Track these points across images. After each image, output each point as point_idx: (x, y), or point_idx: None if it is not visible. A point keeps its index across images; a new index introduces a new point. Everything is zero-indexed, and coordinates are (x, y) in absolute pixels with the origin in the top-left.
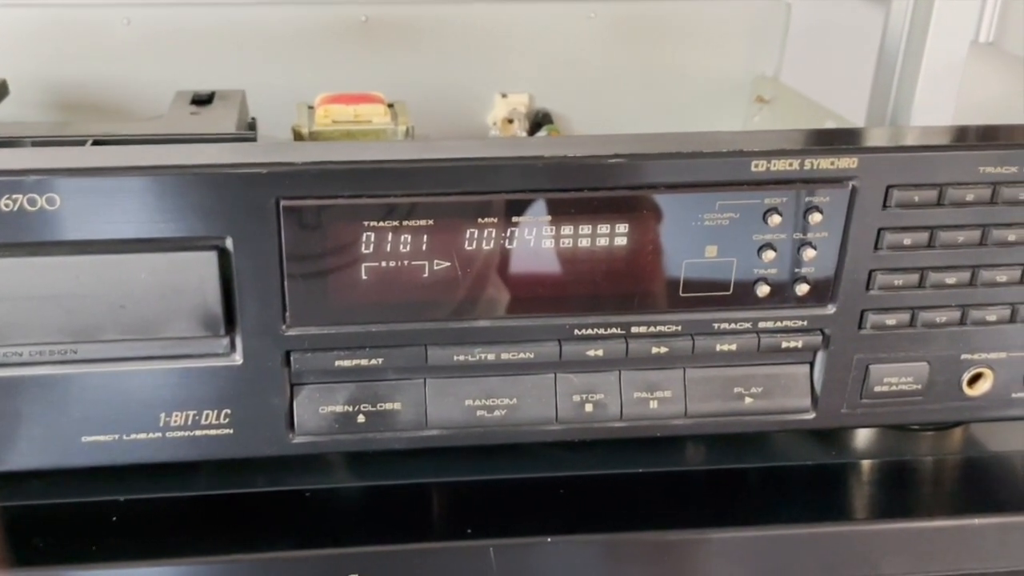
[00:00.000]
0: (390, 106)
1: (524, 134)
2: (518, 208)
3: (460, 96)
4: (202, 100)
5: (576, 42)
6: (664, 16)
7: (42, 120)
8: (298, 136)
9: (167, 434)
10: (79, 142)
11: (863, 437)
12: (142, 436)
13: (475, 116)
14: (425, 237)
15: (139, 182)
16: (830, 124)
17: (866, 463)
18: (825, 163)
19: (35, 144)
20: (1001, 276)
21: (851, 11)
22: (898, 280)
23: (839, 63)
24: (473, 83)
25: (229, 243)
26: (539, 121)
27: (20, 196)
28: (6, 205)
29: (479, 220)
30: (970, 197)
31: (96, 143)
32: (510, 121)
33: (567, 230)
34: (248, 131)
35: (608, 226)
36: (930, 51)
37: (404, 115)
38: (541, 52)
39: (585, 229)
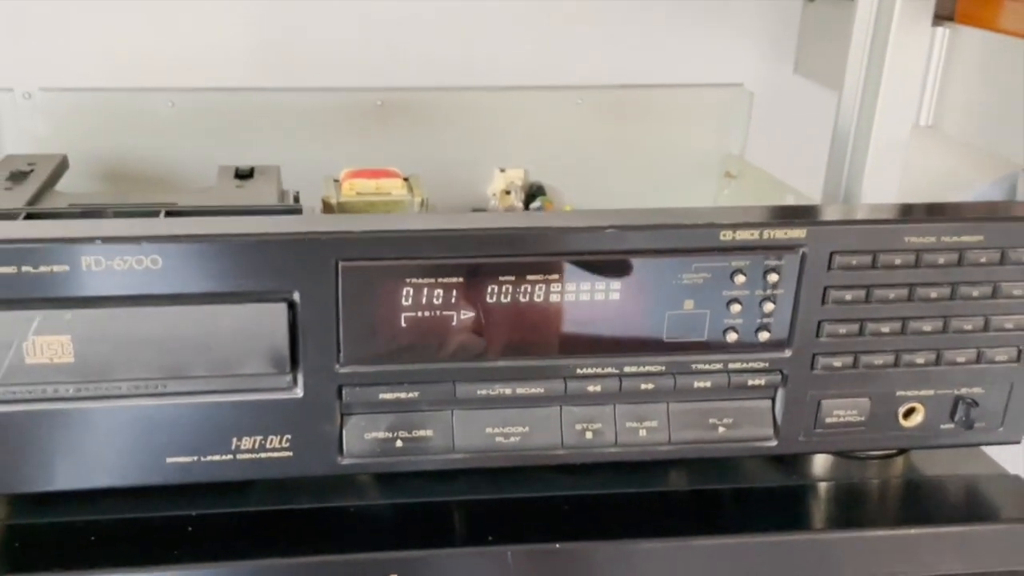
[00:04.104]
0: (406, 179)
1: (520, 204)
2: (531, 268)
3: (463, 170)
4: (244, 174)
5: (566, 124)
6: (643, 102)
7: (101, 191)
8: (327, 206)
9: (238, 456)
10: (152, 212)
11: (820, 463)
12: (216, 458)
13: (476, 188)
14: (454, 292)
15: (226, 246)
16: (790, 198)
17: (823, 484)
18: (780, 233)
19: (116, 214)
20: (926, 327)
21: (808, 97)
22: (842, 329)
23: (798, 142)
24: (475, 159)
25: (297, 296)
26: (533, 193)
27: (130, 258)
28: (119, 265)
29: (500, 278)
30: (898, 262)
31: (168, 214)
32: (507, 192)
33: (571, 287)
34: (295, 204)
35: (604, 283)
36: (877, 133)
37: (419, 188)
38: (535, 132)
39: (585, 286)
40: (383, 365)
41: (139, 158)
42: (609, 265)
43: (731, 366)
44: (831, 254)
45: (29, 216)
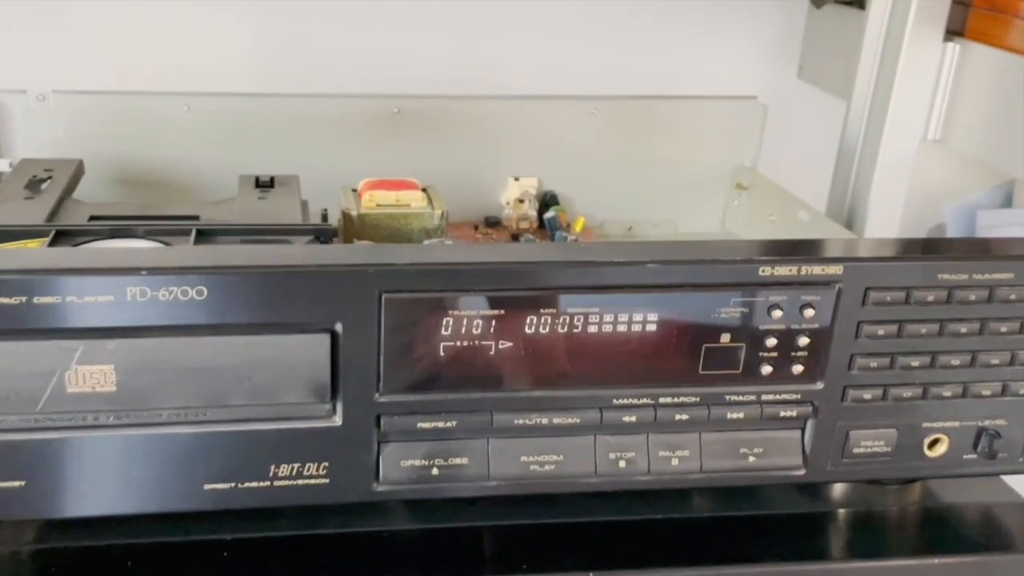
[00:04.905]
0: (424, 190)
1: (534, 213)
2: (571, 301)
3: (477, 178)
4: (265, 184)
5: (580, 133)
6: (658, 113)
7: (118, 197)
8: (348, 218)
9: (275, 483)
10: (183, 231)
11: (839, 489)
12: (254, 484)
13: (490, 196)
14: (494, 323)
15: (272, 278)
16: (802, 213)
17: (842, 511)
18: (817, 269)
19: (147, 233)
20: (954, 361)
21: (810, 102)
22: (873, 363)
23: (800, 148)
24: (489, 167)
25: (339, 327)
26: (547, 202)
27: (175, 288)
28: (164, 296)
29: (540, 310)
30: (930, 298)
31: (199, 233)
32: (521, 201)
33: (610, 318)
34: (326, 223)
35: (643, 316)
36: (885, 146)
37: (438, 200)
38: (549, 141)
39: (624, 318)
40: (422, 394)
41: (154, 162)
42: (649, 299)
43: (764, 397)
44: (866, 290)
45: (58, 234)
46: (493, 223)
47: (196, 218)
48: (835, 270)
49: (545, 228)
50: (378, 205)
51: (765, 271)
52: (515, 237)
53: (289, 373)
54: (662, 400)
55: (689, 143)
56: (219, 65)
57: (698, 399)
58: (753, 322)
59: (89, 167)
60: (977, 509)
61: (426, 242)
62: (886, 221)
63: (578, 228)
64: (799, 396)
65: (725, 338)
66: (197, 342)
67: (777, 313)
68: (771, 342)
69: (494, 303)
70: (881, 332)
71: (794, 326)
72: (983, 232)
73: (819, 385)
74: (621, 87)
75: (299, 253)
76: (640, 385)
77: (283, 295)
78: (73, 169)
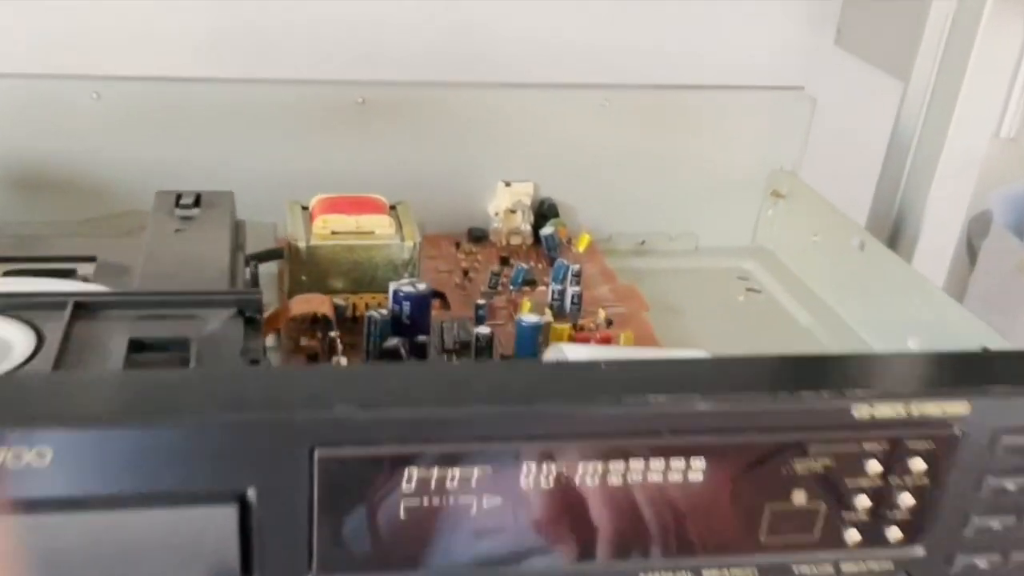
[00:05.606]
0: (393, 208)
1: (528, 226)
2: (586, 452)
3: (460, 183)
4: (187, 205)
5: (586, 129)
6: (683, 105)
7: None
8: (295, 251)
9: None
10: (59, 304)
11: None
12: None
13: (476, 204)
14: (475, 477)
15: (146, 436)
16: (856, 241)
17: None
18: (933, 408)
19: (7, 307)
20: None
21: (848, 73)
22: (995, 524)
23: (860, 159)
24: (475, 169)
25: (252, 494)
26: (544, 212)
27: (4, 450)
28: None
29: (537, 462)
30: None
31: (77, 305)
32: (513, 211)
33: (638, 467)
34: (253, 289)
35: (686, 468)
36: (949, 143)
37: (409, 224)
38: (548, 139)
39: (658, 466)
40: (373, 573)
41: (53, 162)
42: (696, 448)
43: (844, 568)
44: (996, 433)
45: None
46: (479, 237)
47: (92, 259)
48: (959, 409)
49: (541, 246)
50: (333, 233)
51: (861, 411)
52: (504, 260)
53: (180, 556)
54: (706, 573)
55: (719, 141)
56: (137, 42)
57: (755, 572)
58: (839, 476)
59: None
60: None
61: (392, 285)
62: (944, 237)
63: (581, 248)
64: (891, 566)
65: (799, 497)
66: (41, 522)
67: (873, 465)
68: (862, 502)
69: (473, 458)
70: (1012, 487)
71: (895, 481)
72: None
73: (919, 551)
74: (636, 74)
75: (192, 384)
76: (678, 555)
77: (167, 457)
78: None
